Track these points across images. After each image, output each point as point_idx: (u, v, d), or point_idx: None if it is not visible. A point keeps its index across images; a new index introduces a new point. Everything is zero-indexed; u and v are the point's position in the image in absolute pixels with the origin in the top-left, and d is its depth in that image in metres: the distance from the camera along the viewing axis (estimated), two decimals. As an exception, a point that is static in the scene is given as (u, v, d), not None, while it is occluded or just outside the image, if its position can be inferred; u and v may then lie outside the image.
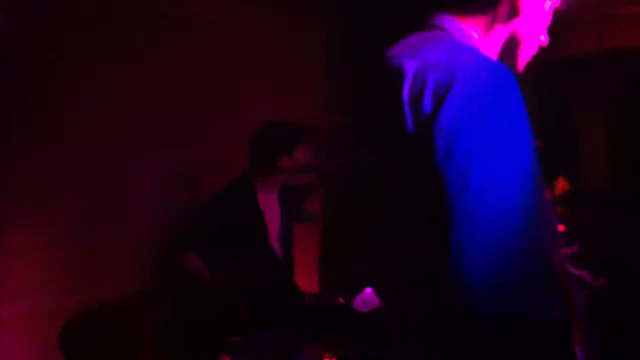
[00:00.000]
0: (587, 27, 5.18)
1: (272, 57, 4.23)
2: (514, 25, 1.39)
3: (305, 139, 3.37)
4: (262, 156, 3.37)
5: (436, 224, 1.12)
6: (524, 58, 1.44)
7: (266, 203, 3.39)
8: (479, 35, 1.37)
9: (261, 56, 4.16)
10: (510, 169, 1.12)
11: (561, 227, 1.99)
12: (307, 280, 3.54)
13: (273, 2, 4.15)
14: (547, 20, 1.44)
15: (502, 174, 1.11)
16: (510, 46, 1.40)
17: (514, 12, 1.37)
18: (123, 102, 3.58)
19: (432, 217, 1.13)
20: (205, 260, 3.24)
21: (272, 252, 3.36)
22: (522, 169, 1.14)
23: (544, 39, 1.46)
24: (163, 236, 3.61)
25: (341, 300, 2.90)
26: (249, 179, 3.40)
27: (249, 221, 3.31)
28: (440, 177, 1.12)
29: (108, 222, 3.55)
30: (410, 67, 1.22)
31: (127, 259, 3.61)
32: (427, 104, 1.17)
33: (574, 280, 1.81)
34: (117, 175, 3.58)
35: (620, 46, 4.97)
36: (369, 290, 2.53)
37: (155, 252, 3.66)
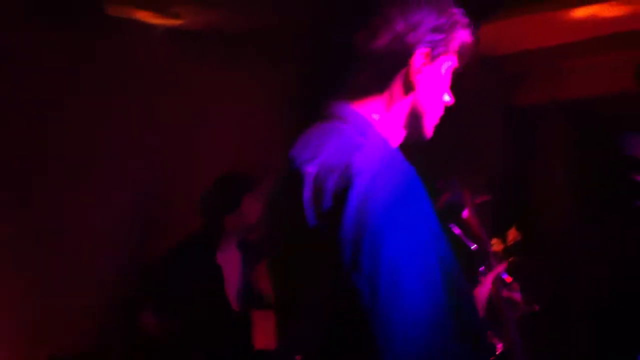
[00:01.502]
0: (541, 78, 5.34)
1: (230, 108, 4.24)
2: (414, 98, 1.42)
3: (253, 191, 3.36)
4: (208, 212, 3.36)
5: (345, 325, 1.15)
6: (430, 125, 1.47)
7: (224, 258, 3.36)
8: (380, 115, 1.40)
9: (218, 107, 4.17)
10: (417, 271, 1.15)
11: (509, 279, 2.02)
12: (267, 338, 3.50)
13: (230, 52, 4.18)
14: (447, 81, 1.47)
15: (410, 278, 1.14)
16: (414, 117, 1.43)
17: (409, 88, 1.41)
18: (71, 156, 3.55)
19: (342, 318, 1.16)
20: (163, 317, 3.19)
21: (230, 309, 3.32)
22: (429, 268, 1.18)
23: (448, 98, 1.50)
24: (120, 293, 3.54)
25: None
26: (206, 233, 3.37)
27: (206, 276, 3.28)
28: (348, 284, 1.14)
29: (63, 280, 3.48)
30: (309, 171, 1.24)
31: (84, 316, 3.53)
32: (327, 211, 1.19)
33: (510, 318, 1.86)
34: (71, 235, 3.52)
35: (573, 97, 5.13)
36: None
37: (113, 308, 3.59)
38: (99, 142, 3.67)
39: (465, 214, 2.02)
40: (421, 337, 1.10)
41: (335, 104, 1.40)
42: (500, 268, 1.90)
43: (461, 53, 1.46)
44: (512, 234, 4.62)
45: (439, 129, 1.52)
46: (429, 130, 1.48)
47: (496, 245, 4.53)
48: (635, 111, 2.48)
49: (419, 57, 1.39)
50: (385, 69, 1.39)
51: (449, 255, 1.28)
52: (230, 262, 3.37)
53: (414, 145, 1.44)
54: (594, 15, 4.78)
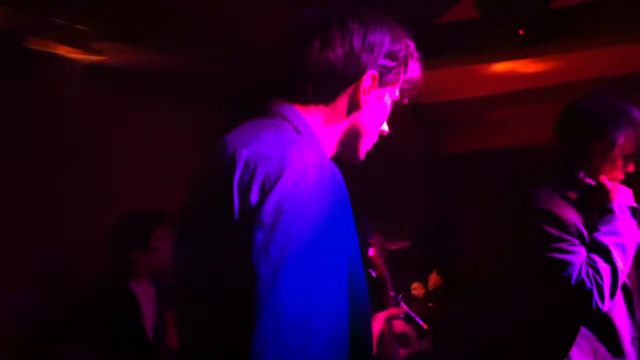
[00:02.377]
0: (464, 129, 5.48)
1: (151, 146, 4.17)
2: (355, 117, 1.42)
3: (163, 226, 3.32)
4: (117, 249, 3.29)
5: (238, 319, 1.13)
6: (364, 147, 1.48)
7: (138, 290, 3.30)
8: (320, 125, 1.40)
9: (137, 144, 4.10)
10: (323, 272, 1.14)
11: (425, 326, 2.03)
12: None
13: (153, 90, 4.14)
14: (387, 112, 1.48)
15: (314, 278, 1.13)
16: (352, 136, 1.44)
17: (355, 106, 1.41)
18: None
19: (236, 310, 1.14)
20: (84, 350, 3.12)
21: (147, 341, 3.25)
22: (337, 273, 1.17)
23: (385, 128, 1.51)
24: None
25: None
26: (116, 268, 3.32)
27: (122, 311, 3.21)
28: (251, 270, 1.13)
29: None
30: (242, 155, 1.24)
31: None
32: (254, 196, 1.18)
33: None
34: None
35: (494, 147, 5.27)
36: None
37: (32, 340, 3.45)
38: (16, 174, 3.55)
39: (371, 252, 2.04)
40: (309, 335, 1.09)
41: (278, 103, 1.39)
42: (396, 310, 1.90)
43: (408, 87, 1.48)
44: (433, 279, 4.68)
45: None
46: (362, 152, 1.49)
47: (417, 289, 4.58)
48: (552, 162, 2.55)
49: (368, 79, 1.39)
50: (334, 82, 1.39)
51: (359, 274, 1.27)
52: (143, 294, 3.30)
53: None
54: (514, 70, 4.98)
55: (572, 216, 2.27)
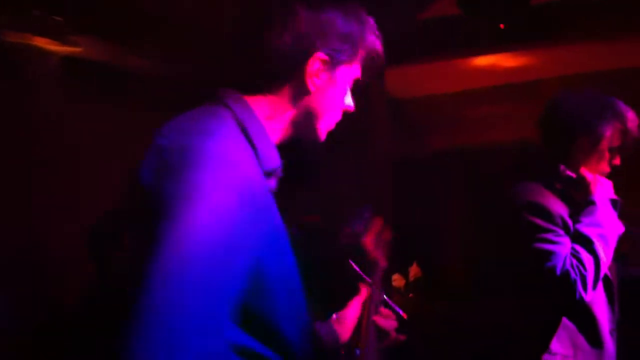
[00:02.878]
0: (439, 126, 5.49)
1: (122, 142, 4.11)
2: (308, 101, 1.41)
3: None
4: (93, 250, 3.24)
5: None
6: (323, 128, 1.46)
7: None
8: (270, 112, 1.38)
9: (109, 139, 4.04)
10: (199, 272, 1.09)
11: (404, 315, 2.01)
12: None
13: (128, 85, 4.09)
14: (344, 91, 1.46)
15: (185, 277, 1.07)
16: (307, 120, 1.42)
17: (305, 91, 1.39)
18: None
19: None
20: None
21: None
22: (220, 272, 1.12)
23: (350, 103, 1.49)
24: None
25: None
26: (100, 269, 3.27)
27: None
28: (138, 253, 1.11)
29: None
30: (156, 145, 1.22)
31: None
32: (150, 187, 1.17)
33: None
34: None
35: (473, 143, 5.28)
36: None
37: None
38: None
39: (365, 241, 2.05)
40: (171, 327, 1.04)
41: (227, 91, 1.37)
42: (378, 296, 1.89)
43: (368, 64, 1.46)
44: (414, 271, 4.69)
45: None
46: (321, 133, 1.46)
47: (398, 280, 4.58)
48: (532, 159, 2.55)
49: (315, 63, 1.37)
50: (283, 68, 1.36)
51: (284, 274, 1.26)
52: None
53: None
54: (494, 64, 4.99)
55: (558, 207, 2.28)
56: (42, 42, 3.73)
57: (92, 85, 3.95)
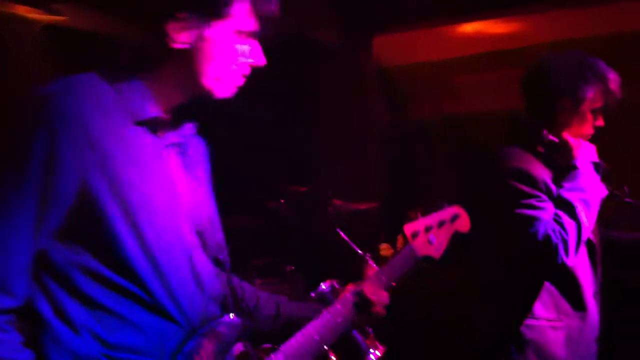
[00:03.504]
0: (427, 94, 5.46)
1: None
2: (189, 62, 1.45)
3: None
4: None
5: None
6: (217, 84, 1.48)
7: None
8: (153, 76, 1.46)
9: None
10: None
11: (393, 283, 2.02)
12: None
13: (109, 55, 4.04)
14: (230, 44, 1.47)
15: None
16: (194, 78, 1.46)
17: (178, 53, 1.44)
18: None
19: None
20: None
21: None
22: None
23: (254, 57, 1.51)
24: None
25: None
26: None
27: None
28: None
29: None
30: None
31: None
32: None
33: None
34: None
35: (461, 111, 5.26)
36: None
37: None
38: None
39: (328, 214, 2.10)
40: None
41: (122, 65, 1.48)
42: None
43: (258, 14, 1.47)
44: (402, 240, 4.70)
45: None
46: (214, 90, 1.49)
47: (385, 250, 4.58)
48: (520, 121, 2.54)
49: (172, 25, 1.40)
50: (149, 32, 1.44)
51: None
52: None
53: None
54: (480, 32, 4.95)
55: (541, 172, 2.28)
56: (25, 11, 3.68)
57: (75, 54, 3.91)
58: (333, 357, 2.01)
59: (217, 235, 1.62)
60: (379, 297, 1.79)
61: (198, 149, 1.63)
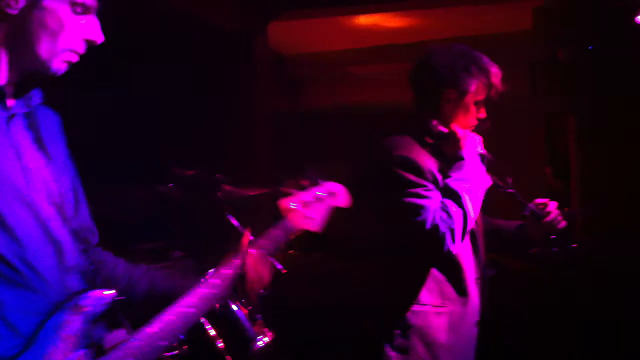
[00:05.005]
0: (322, 83, 5.49)
1: None
2: (14, 39, 1.44)
3: None
4: None
5: None
6: (44, 62, 1.45)
7: None
8: None
9: None
10: None
11: (284, 271, 2.01)
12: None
13: None
14: (59, 21, 1.45)
15: None
16: (21, 55, 1.45)
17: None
18: None
19: None
20: None
21: None
22: None
23: (89, 35, 1.49)
24: None
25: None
26: None
27: None
28: None
29: None
30: None
31: None
32: None
33: None
34: None
35: (350, 101, 5.32)
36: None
37: None
38: None
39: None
40: None
41: None
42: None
43: None
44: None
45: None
46: (51, 66, 1.45)
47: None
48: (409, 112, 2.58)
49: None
50: None
51: None
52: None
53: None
54: (376, 24, 5.02)
55: (428, 162, 2.32)
56: None
57: None
58: (212, 331, 2.01)
59: (81, 211, 1.61)
60: (259, 273, 1.79)
61: (50, 121, 1.59)
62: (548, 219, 2.42)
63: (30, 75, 1.47)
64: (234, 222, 3.47)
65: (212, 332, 2.09)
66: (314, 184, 2.02)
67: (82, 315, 1.44)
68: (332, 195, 2.01)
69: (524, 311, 3.67)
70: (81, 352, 1.43)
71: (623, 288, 3.72)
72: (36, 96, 1.54)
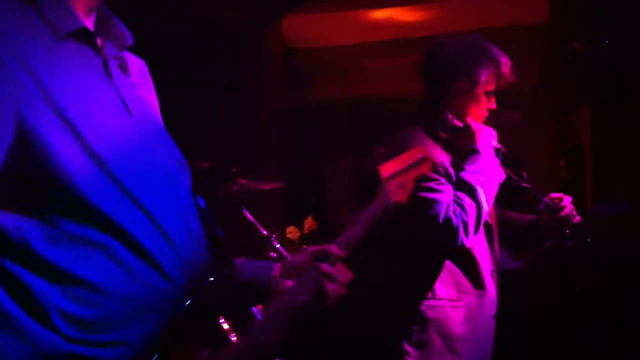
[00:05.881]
0: (335, 77, 5.48)
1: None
2: None
3: None
4: None
5: None
6: None
7: None
8: None
9: None
10: None
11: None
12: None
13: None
14: None
15: None
16: None
17: None
18: None
19: None
20: None
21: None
22: None
23: None
24: None
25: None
26: None
27: None
28: None
29: None
30: None
31: None
32: None
33: None
34: None
35: (363, 94, 5.31)
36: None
37: None
38: None
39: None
40: None
41: None
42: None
43: None
44: (309, 223, 4.71)
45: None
46: None
47: (293, 233, 4.59)
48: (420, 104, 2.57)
49: None
50: None
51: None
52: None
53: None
54: (390, 18, 5.01)
55: (440, 156, 2.32)
56: None
57: None
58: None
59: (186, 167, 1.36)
60: (344, 275, 1.51)
61: (139, 68, 1.41)
62: (563, 213, 2.41)
63: None
64: (250, 217, 3.50)
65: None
66: (405, 147, 1.84)
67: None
68: (421, 162, 1.79)
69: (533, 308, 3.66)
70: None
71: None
72: (127, 34, 1.34)
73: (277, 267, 1.55)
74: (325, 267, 1.49)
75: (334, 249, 1.53)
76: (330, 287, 1.46)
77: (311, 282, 1.46)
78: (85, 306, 1.11)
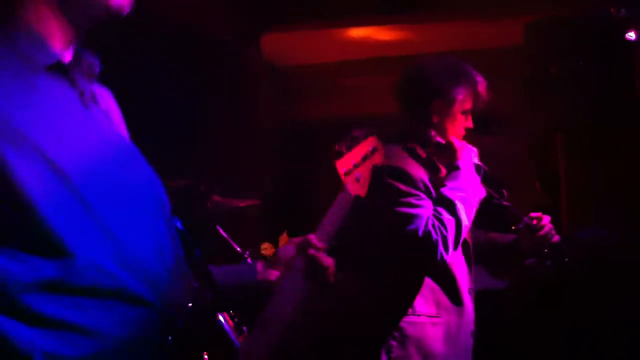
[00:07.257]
0: (313, 95, 5.50)
1: None
2: None
3: None
4: None
5: None
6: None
7: None
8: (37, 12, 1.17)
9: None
10: None
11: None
12: None
13: None
14: None
15: None
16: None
17: None
18: None
19: None
20: None
21: None
22: None
23: None
24: None
25: None
26: None
27: None
28: None
29: None
30: None
31: None
32: None
33: None
34: None
35: (342, 113, 5.33)
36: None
37: None
38: None
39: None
40: None
41: None
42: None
43: None
44: (283, 240, 4.68)
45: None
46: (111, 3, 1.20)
47: (267, 249, 4.55)
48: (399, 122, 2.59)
49: None
50: None
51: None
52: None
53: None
54: (368, 37, 5.05)
55: (420, 172, 2.35)
56: None
57: None
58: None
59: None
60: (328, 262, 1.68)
61: (108, 99, 1.35)
62: (542, 232, 2.43)
63: (91, 19, 1.21)
64: (224, 234, 3.47)
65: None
66: (359, 139, 1.88)
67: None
68: (374, 152, 1.85)
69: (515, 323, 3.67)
70: None
71: (610, 301, 3.72)
72: (96, 64, 1.27)
73: (259, 265, 1.75)
74: (311, 250, 1.68)
75: (313, 239, 1.70)
76: (320, 265, 1.65)
77: (301, 263, 1.67)
78: (72, 346, 1.05)
